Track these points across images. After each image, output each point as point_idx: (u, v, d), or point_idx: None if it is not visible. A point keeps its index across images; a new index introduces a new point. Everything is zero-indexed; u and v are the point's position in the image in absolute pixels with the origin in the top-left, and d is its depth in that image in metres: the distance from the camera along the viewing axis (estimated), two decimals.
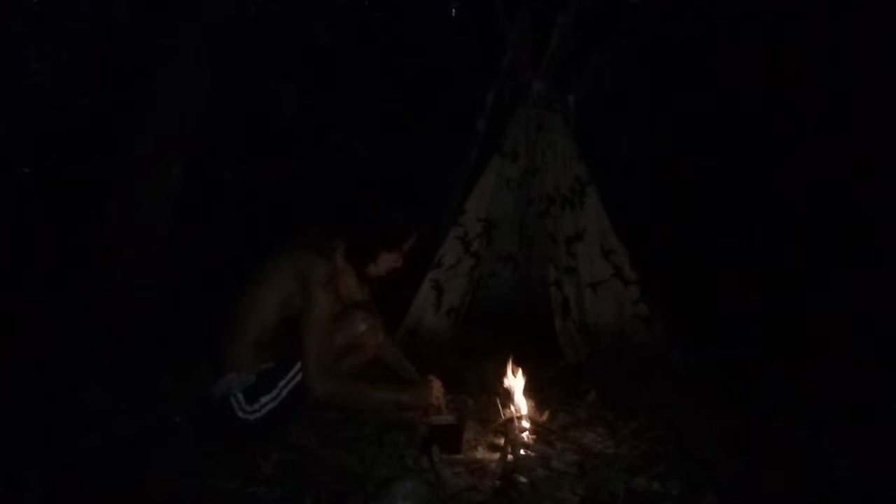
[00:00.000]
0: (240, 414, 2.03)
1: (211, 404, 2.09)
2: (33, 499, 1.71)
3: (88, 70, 6.24)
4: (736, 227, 5.21)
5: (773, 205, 5.19)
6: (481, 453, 2.05)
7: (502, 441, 2.09)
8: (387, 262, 2.27)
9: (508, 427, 2.14)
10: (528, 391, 2.32)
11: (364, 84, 6.59)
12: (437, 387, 2.26)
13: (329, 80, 6.76)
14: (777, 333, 3.48)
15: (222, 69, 4.16)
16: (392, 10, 7.44)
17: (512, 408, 2.24)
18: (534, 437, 2.16)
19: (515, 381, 2.30)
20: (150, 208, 3.82)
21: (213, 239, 5.18)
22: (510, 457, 1.99)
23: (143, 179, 3.83)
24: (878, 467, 1.97)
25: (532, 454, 2.05)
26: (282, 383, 2.09)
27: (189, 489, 1.77)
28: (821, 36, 4.98)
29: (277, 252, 2.18)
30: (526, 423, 2.20)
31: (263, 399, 2.03)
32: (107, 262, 3.74)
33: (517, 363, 2.34)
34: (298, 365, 2.10)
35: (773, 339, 3.38)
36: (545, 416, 2.28)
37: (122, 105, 4.42)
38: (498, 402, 2.29)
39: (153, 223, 3.85)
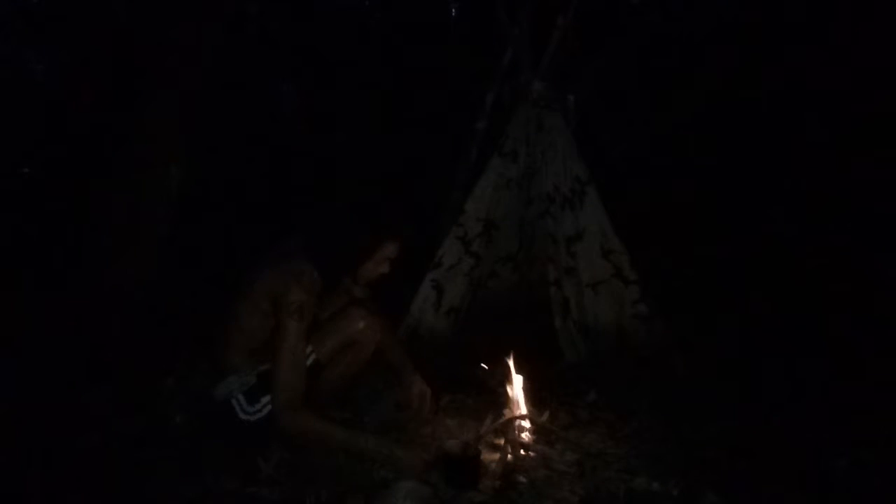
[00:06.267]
0: (241, 415, 2.02)
1: (212, 407, 2.08)
2: (34, 499, 1.71)
3: (88, 70, 6.23)
4: (736, 227, 5.21)
5: (774, 204, 5.19)
6: (482, 453, 2.05)
7: (502, 441, 2.09)
8: (366, 272, 2.15)
9: (508, 427, 2.14)
10: (528, 391, 2.32)
11: (364, 84, 6.59)
12: (422, 462, 1.91)
13: (329, 80, 6.76)
14: (777, 333, 3.49)
15: (222, 69, 4.16)
16: (392, 10, 7.44)
17: (512, 408, 2.24)
18: (534, 437, 2.16)
19: (515, 380, 2.29)
20: (150, 208, 3.82)
21: (213, 239, 5.18)
22: (510, 457, 1.99)
23: (143, 179, 3.83)
24: (878, 467, 1.97)
25: (532, 454, 2.05)
26: None
27: (189, 489, 1.77)
28: (819, 37, 4.98)
29: (256, 268, 2.09)
30: (526, 423, 2.19)
31: (265, 399, 2.02)
32: (107, 262, 3.74)
33: (517, 363, 2.34)
34: None
35: (773, 339, 3.38)
36: (545, 416, 2.28)
37: (122, 105, 4.42)
38: (498, 401, 2.29)
39: (153, 223, 3.85)
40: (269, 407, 2.03)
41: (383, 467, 1.89)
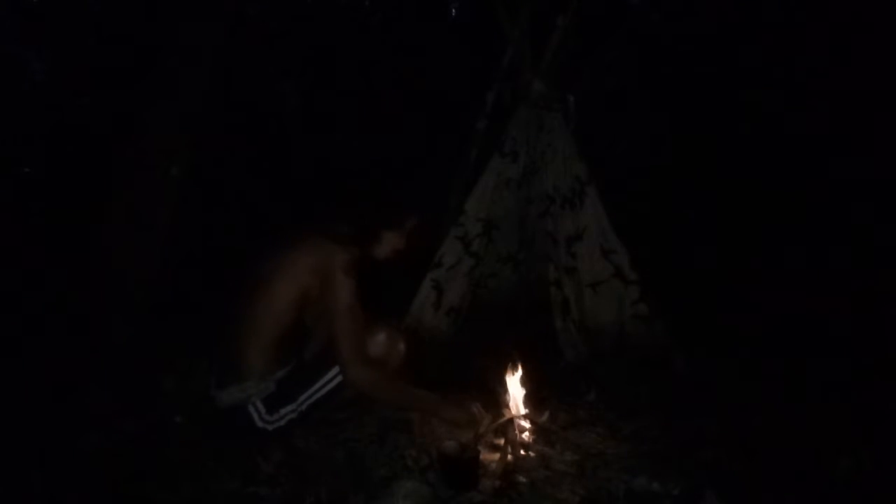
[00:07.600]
0: (259, 423, 1.98)
1: (222, 411, 2.03)
2: (33, 499, 1.71)
3: (88, 70, 6.23)
4: (736, 227, 5.21)
5: (774, 204, 5.19)
6: (481, 453, 2.05)
7: (502, 441, 2.09)
8: (391, 242, 2.15)
9: (508, 427, 2.14)
10: (528, 391, 2.32)
11: (364, 84, 6.59)
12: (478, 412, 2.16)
13: (329, 79, 6.76)
14: (777, 333, 3.49)
15: (222, 69, 4.16)
16: (392, 9, 7.44)
17: (512, 408, 2.24)
18: (534, 437, 2.17)
19: (515, 380, 2.29)
20: (150, 208, 3.82)
21: (214, 238, 5.18)
22: (510, 457, 1.99)
23: (143, 179, 3.83)
24: (878, 467, 1.97)
25: (532, 454, 2.05)
26: (304, 396, 2.02)
27: (189, 489, 1.77)
28: (819, 36, 4.98)
29: (288, 245, 2.05)
30: (526, 423, 2.20)
31: (284, 410, 1.99)
32: (107, 261, 3.74)
33: (517, 363, 2.34)
34: (325, 378, 2.03)
35: (773, 339, 3.38)
36: (545, 416, 2.28)
37: (122, 105, 4.42)
38: (498, 401, 2.29)
39: (153, 223, 3.85)
40: (289, 417, 2.01)
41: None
